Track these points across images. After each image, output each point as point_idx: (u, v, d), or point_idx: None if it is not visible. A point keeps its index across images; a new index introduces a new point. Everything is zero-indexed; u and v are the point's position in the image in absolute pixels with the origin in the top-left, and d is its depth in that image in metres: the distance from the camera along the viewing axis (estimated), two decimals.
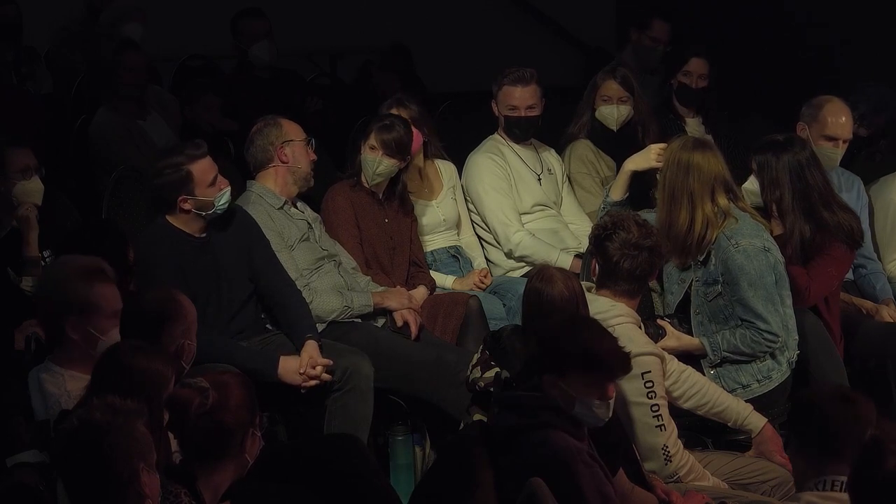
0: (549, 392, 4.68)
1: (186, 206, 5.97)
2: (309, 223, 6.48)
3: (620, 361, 4.72)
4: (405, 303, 6.44)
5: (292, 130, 6.50)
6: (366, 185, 6.69)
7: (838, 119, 6.78)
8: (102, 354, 4.62)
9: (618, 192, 6.63)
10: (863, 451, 3.82)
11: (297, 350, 6.03)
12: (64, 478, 3.89)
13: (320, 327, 6.28)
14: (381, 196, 6.71)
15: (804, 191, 6.24)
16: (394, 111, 6.86)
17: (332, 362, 5.98)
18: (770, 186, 6.26)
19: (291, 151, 6.46)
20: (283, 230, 6.38)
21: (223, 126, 7.89)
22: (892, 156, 7.56)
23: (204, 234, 6.08)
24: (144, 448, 3.85)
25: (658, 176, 6.24)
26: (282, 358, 5.97)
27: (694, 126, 7.89)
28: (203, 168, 5.98)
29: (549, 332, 4.78)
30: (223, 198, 6.03)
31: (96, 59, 8.48)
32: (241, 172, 6.82)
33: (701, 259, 6.03)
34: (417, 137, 6.89)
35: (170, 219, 6.04)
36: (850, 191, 7.00)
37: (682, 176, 6.01)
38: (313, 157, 6.50)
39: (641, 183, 6.60)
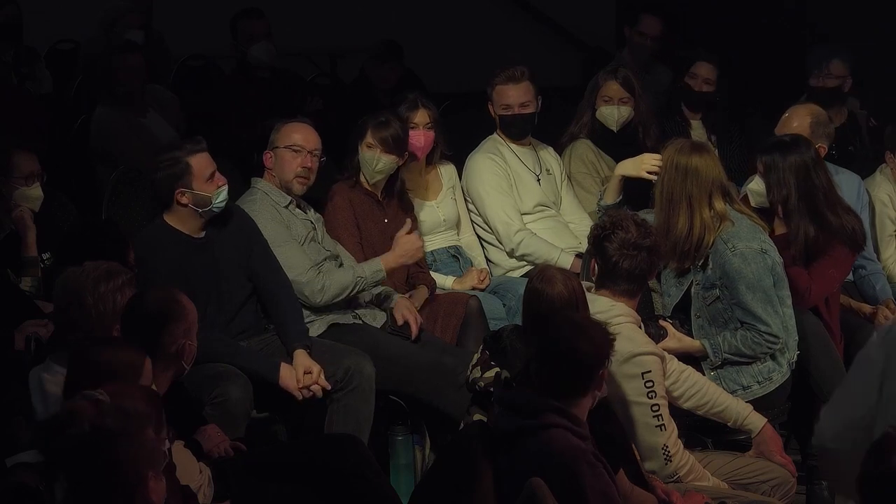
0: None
1: (184, 200, 5.96)
2: (313, 223, 6.48)
3: (598, 355, 4.72)
4: (417, 249, 6.39)
5: (283, 136, 6.44)
6: (365, 185, 6.69)
7: None
8: (72, 353, 4.63)
9: (611, 195, 6.64)
10: (872, 449, 3.79)
11: (289, 355, 6.03)
12: (69, 480, 3.87)
13: (323, 326, 6.28)
14: (380, 196, 6.71)
15: (809, 192, 6.23)
16: (416, 112, 6.85)
17: (321, 369, 5.97)
18: (776, 187, 6.25)
19: (273, 157, 6.44)
20: (290, 225, 6.37)
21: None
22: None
23: (202, 235, 6.08)
24: (153, 454, 3.83)
25: (655, 180, 6.24)
26: (283, 365, 5.96)
27: (698, 128, 7.90)
28: (201, 162, 5.98)
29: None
30: (221, 195, 6.02)
31: (94, 59, 8.48)
32: (240, 172, 6.83)
33: (700, 264, 6.03)
34: (428, 140, 6.91)
35: (167, 219, 6.04)
36: (850, 190, 7.00)
37: (680, 180, 6.00)
38: (307, 164, 6.40)
39: (641, 183, 6.60)
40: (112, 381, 4.25)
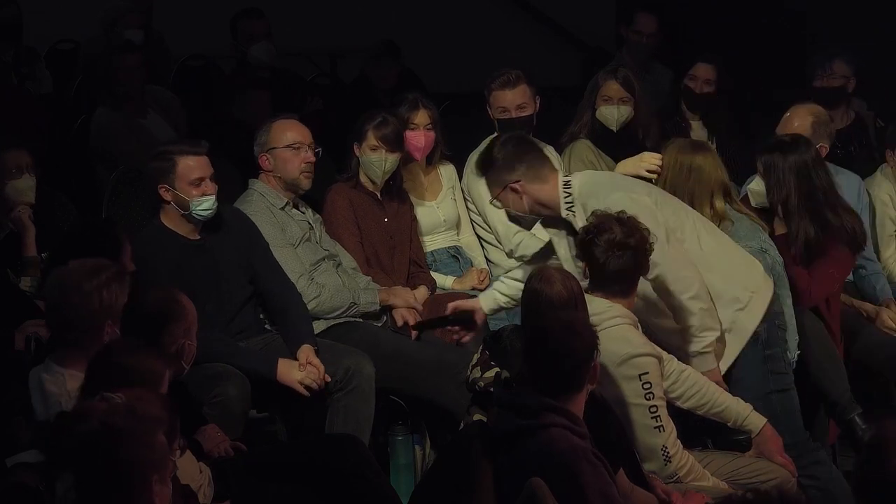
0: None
1: (167, 197, 5.97)
2: (310, 223, 6.49)
3: (589, 348, 4.75)
4: (410, 301, 6.46)
5: (277, 136, 6.45)
6: (365, 185, 6.70)
7: None
8: (97, 353, 4.62)
9: None
10: (866, 450, 3.79)
11: (293, 355, 6.03)
12: (76, 478, 3.86)
13: (323, 325, 6.29)
14: (379, 195, 6.72)
15: (810, 192, 6.23)
16: (416, 113, 6.86)
17: (323, 368, 5.98)
18: (776, 187, 6.25)
19: (272, 158, 6.44)
20: (286, 227, 6.38)
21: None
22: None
23: (198, 237, 6.07)
24: (161, 460, 3.81)
25: (655, 179, 6.23)
26: (280, 361, 5.96)
27: (698, 129, 7.90)
28: (190, 165, 5.97)
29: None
30: (203, 203, 5.98)
31: (94, 59, 8.49)
32: (240, 172, 6.83)
33: None
34: (429, 140, 6.91)
35: (163, 219, 6.06)
36: (850, 191, 7.00)
37: (683, 178, 6.01)
38: (310, 159, 6.43)
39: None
40: (131, 386, 4.25)
